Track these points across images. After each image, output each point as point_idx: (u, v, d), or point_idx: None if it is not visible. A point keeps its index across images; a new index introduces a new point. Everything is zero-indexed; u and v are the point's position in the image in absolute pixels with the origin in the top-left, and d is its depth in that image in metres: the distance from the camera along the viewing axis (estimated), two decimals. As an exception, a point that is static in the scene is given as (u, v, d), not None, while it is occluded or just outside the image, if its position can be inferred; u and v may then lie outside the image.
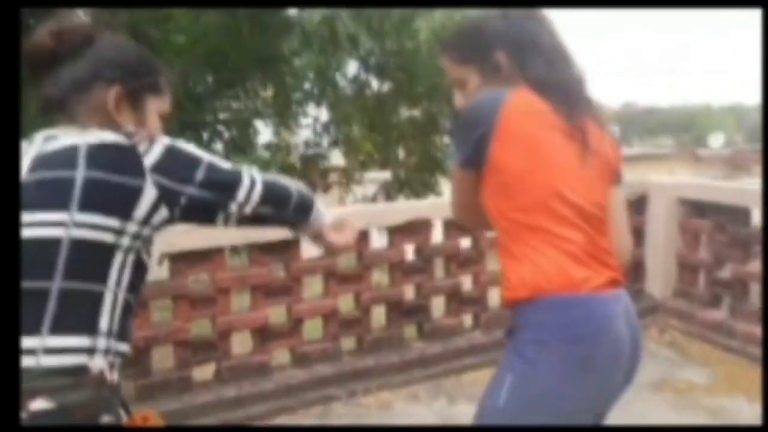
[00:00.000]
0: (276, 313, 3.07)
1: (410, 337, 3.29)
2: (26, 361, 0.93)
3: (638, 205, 3.74)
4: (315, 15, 5.34)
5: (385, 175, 8.07)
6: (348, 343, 3.18)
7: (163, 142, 1.05)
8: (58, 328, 0.95)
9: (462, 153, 1.31)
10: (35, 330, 0.94)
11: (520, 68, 1.33)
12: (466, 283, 3.39)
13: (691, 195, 3.64)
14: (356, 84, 7.64)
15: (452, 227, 3.31)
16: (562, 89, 1.31)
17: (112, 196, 0.99)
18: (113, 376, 1.02)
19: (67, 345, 0.96)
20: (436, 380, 3.03)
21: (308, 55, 5.18)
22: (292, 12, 6.82)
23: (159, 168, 1.02)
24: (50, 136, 1.06)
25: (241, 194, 1.10)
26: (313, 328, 3.14)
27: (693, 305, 3.58)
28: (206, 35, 6.35)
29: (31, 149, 1.05)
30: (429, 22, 6.06)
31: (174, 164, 1.04)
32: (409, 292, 3.29)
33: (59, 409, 0.93)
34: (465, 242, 3.38)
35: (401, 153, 7.69)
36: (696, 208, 3.62)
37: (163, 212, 1.04)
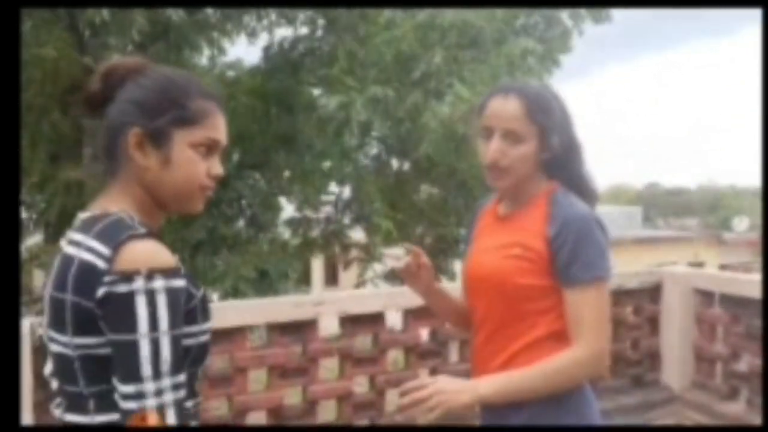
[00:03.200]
0: (291, 394, 3.11)
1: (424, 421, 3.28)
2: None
3: (653, 294, 3.77)
4: (332, 101, 5.57)
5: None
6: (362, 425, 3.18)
7: (138, 284, 0.95)
8: None
9: (607, 265, 1.30)
10: None
11: (563, 161, 1.37)
12: (481, 368, 3.41)
13: (705, 285, 3.67)
14: (377, 162, 7.91)
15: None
16: (587, 197, 1.40)
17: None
18: None
19: None
20: (449, 468, 3.00)
21: (323, 140, 5.42)
22: (316, 93, 7.19)
23: (101, 304, 0.97)
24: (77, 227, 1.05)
25: (127, 389, 0.95)
26: (327, 410, 3.16)
27: (711, 397, 3.53)
28: (235, 116, 6.72)
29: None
30: (437, 113, 6.23)
31: (115, 312, 0.96)
32: (423, 376, 3.31)
33: None
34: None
35: (419, 231, 7.83)
36: (712, 299, 3.64)
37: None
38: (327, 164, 5.94)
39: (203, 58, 7.28)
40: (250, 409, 2.98)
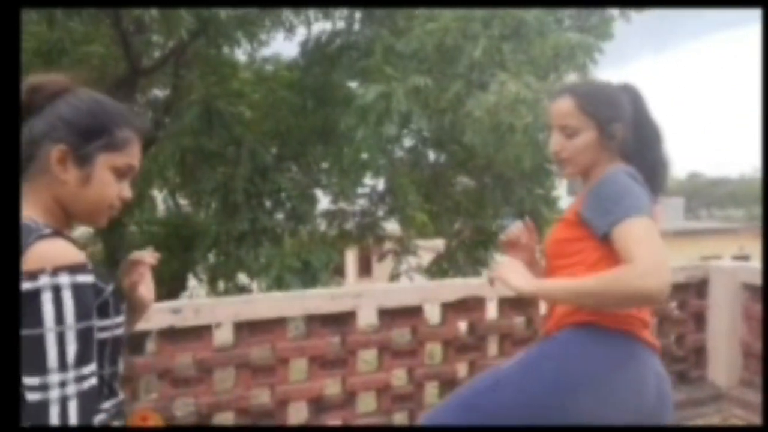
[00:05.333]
0: (331, 385, 3.15)
1: (462, 414, 3.28)
2: None
3: (699, 290, 3.68)
4: (372, 91, 5.57)
5: (439, 243, 8.16)
6: (400, 418, 3.20)
7: (44, 281, 0.99)
8: None
9: (646, 205, 1.41)
10: None
11: (634, 147, 1.53)
12: (520, 361, 3.39)
13: (753, 280, 3.56)
14: (413, 155, 7.89)
15: (506, 305, 3.35)
16: (657, 178, 1.55)
17: None
18: None
19: None
20: (488, 461, 3.00)
21: (364, 130, 5.43)
22: (353, 87, 7.22)
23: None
24: None
25: (30, 381, 0.99)
26: (366, 402, 3.19)
27: (759, 395, 3.43)
28: (274, 111, 6.81)
29: None
30: (483, 101, 6.22)
31: (23, 309, 0.99)
32: (462, 370, 3.31)
33: None
34: (519, 321, 3.40)
35: (456, 224, 7.79)
36: (759, 293, 3.53)
37: None
38: (363, 156, 5.97)
39: (242, 54, 7.38)
40: (292, 399, 3.04)
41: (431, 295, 3.30)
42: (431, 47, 5.32)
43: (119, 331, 1.15)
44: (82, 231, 8.31)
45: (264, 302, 3.23)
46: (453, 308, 3.26)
